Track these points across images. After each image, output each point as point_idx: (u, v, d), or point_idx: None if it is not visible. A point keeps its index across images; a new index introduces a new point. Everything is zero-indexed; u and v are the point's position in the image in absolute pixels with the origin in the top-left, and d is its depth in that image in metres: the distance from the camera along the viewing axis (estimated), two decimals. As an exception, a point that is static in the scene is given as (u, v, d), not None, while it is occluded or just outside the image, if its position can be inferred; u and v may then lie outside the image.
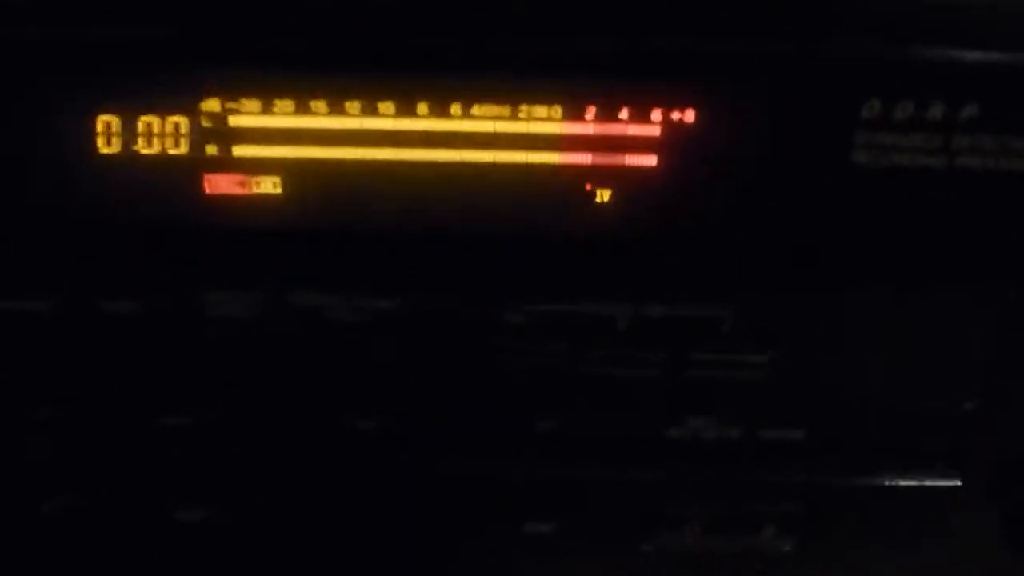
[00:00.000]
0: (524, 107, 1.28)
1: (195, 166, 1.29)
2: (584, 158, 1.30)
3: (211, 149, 1.29)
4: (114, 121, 1.28)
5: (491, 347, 1.37)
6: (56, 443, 1.40)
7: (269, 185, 1.30)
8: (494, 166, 1.30)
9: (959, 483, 1.41)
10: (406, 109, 1.28)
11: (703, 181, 1.30)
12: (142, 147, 1.29)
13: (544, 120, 1.29)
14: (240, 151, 1.29)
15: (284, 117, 1.28)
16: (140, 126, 1.28)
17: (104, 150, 1.28)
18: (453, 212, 1.31)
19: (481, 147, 1.29)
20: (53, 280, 1.33)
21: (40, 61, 1.27)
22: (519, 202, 1.31)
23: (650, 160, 1.30)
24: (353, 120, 1.28)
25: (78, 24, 1.26)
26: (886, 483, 1.43)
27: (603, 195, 1.31)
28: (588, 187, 1.31)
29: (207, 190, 1.30)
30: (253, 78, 1.28)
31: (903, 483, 1.43)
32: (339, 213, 1.31)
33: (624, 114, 1.29)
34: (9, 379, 1.37)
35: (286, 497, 1.44)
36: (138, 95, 1.28)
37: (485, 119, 1.28)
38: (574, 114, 1.29)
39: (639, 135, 1.29)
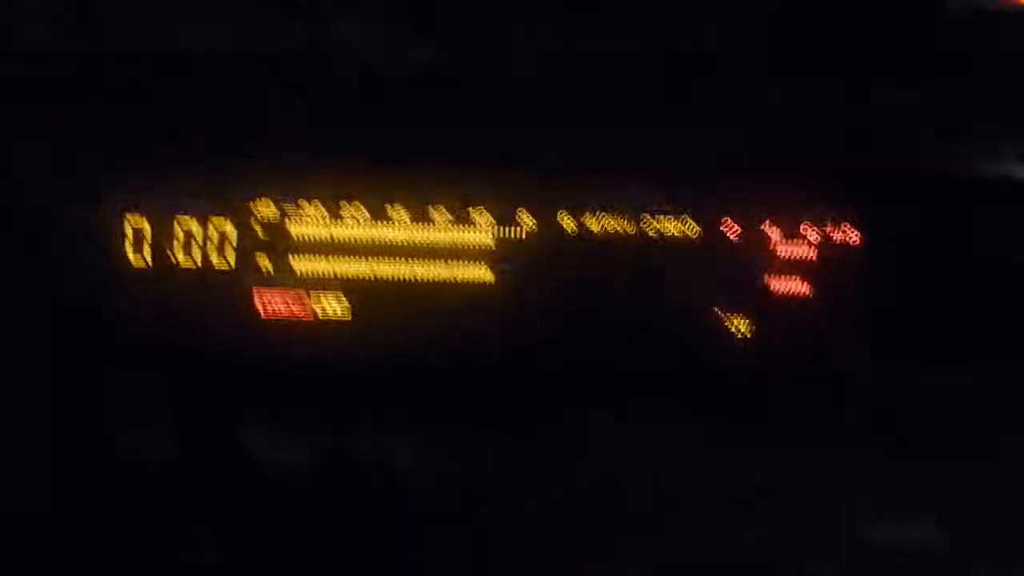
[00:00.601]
0: (648, 217, 1.05)
1: (245, 282, 1.06)
2: (721, 281, 1.07)
3: (264, 262, 1.05)
4: (145, 225, 1.05)
5: (591, 509, 1.12)
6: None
7: (335, 308, 1.06)
8: (610, 288, 1.06)
9: None
10: (507, 217, 1.05)
11: (865, 315, 1.07)
12: (180, 257, 1.05)
13: (672, 234, 1.05)
14: (300, 265, 1.05)
15: (355, 225, 1.05)
16: (177, 232, 1.05)
17: (135, 261, 1.05)
18: (559, 344, 1.08)
19: (596, 265, 1.06)
20: (74, 412, 1.09)
21: (55, 147, 1.04)
22: (637, 333, 1.07)
23: (802, 287, 1.07)
24: (441, 231, 1.05)
25: (99, 103, 1.04)
26: None
27: (741, 326, 1.08)
28: (723, 317, 1.07)
29: (261, 313, 1.06)
30: (317, 175, 1.05)
31: None
32: (421, 345, 1.07)
33: (771, 230, 1.05)
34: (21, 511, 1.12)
35: None
36: (175, 194, 1.05)
37: (602, 231, 1.05)
38: (708, 227, 1.05)
39: (790, 257, 1.06)
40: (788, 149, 1.05)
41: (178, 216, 1.05)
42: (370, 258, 1.05)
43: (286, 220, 1.05)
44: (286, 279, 1.06)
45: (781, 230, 1.06)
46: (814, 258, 1.06)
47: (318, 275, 1.06)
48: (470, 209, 1.05)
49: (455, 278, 1.05)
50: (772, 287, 1.07)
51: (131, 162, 1.06)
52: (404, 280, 1.05)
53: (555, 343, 1.08)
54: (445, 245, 1.05)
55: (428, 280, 1.05)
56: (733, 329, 1.08)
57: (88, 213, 1.05)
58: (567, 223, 1.05)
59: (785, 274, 1.07)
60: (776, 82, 1.05)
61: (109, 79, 1.05)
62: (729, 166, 1.06)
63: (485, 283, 1.05)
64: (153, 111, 1.06)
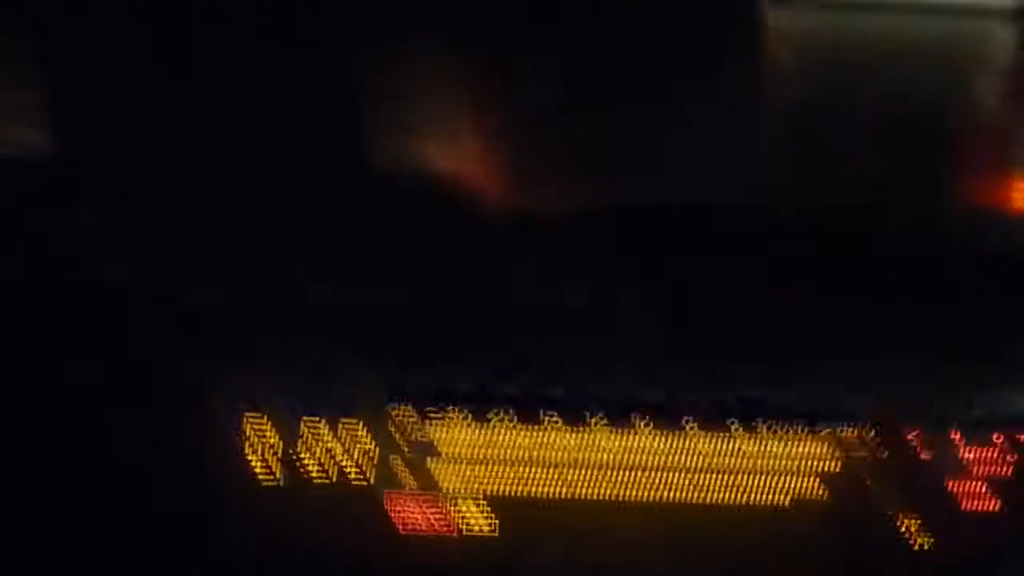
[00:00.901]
0: (826, 428, 0.96)
1: (380, 493, 0.96)
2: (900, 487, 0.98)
3: (403, 471, 0.96)
4: (268, 428, 0.95)
5: None
6: None
7: (482, 524, 0.97)
8: (791, 507, 0.98)
9: None
10: (671, 427, 0.95)
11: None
12: (312, 469, 0.95)
13: (851, 446, 0.97)
14: (443, 475, 0.96)
15: (505, 433, 0.95)
16: (309, 441, 0.95)
17: (261, 475, 0.95)
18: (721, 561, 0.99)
19: (772, 482, 0.97)
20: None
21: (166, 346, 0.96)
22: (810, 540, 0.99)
23: (989, 502, 0.98)
24: (602, 447, 0.95)
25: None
26: None
27: (924, 542, 0.99)
28: (905, 530, 0.99)
29: (399, 527, 0.96)
30: (464, 380, 0.95)
31: None
32: (578, 570, 0.97)
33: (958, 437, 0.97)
34: None
35: None
36: (302, 394, 0.96)
37: (777, 445, 0.96)
38: (891, 438, 0.97)
39: (978, 466, 0.98)
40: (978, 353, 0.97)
41: (304, 419, 0.96)
42: (521, 469, 0.96)
43: (427, 425, 0.96)
44: (427, 490, 0.97)
45: (969, 438, 0.97)
46: (1005, 470, 0.97)
47: (462, 487, 0.97)
48: (632, 416, 0.96)
49: (616, 495, 0.96)
50: (956, 497, 0.98)
51: (249, 358, 0.96)
52: (559, 496, 0.96)
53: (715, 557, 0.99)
54: (604, 456, 0.96)
55: (585, 496, 0.96)
56: (911, 539, 0.99)
57: (202, 414, 0.96)
58: (738, 434, 0.96)
59: (972, 483, 0.98)
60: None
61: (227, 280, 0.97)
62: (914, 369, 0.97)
63: (651, 501, 0.96)
64: (269, 296, 0.98)
